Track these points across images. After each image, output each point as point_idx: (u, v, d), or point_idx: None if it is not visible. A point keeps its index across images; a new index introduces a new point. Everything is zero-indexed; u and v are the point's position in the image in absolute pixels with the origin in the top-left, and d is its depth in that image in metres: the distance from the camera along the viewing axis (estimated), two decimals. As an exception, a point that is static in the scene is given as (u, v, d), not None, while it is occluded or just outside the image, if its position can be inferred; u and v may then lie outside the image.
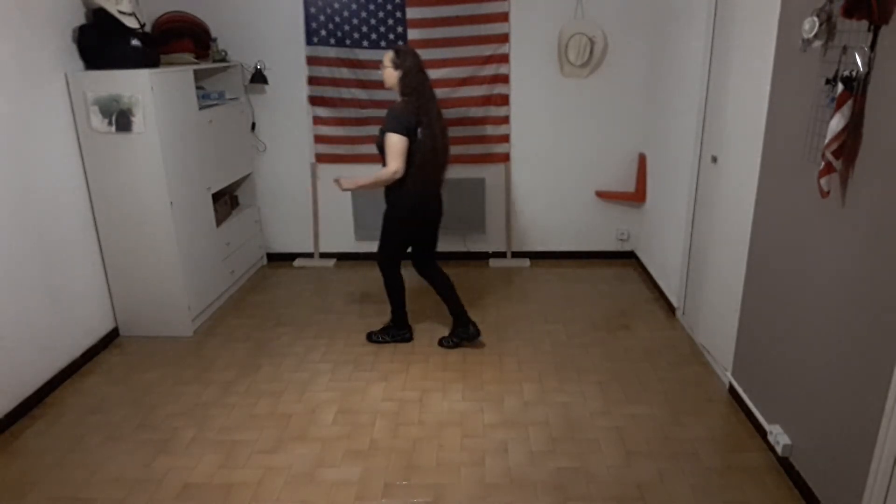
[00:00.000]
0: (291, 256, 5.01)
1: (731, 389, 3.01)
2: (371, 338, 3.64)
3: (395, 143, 3.08)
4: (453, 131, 4.58)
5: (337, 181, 3.35)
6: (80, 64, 3.43)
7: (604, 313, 3.97)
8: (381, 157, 3.25)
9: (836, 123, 2.00)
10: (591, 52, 4.33)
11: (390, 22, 4.35)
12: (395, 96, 4.46)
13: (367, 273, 4.73)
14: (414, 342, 3.63)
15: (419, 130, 3.12)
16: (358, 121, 4.59)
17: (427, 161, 3.17)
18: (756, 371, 2.76)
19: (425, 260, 3.47)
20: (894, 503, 1.88)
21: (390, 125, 3.09)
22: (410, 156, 3.13)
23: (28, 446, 2.77)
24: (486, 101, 4.50)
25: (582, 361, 3.38)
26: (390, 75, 3.20)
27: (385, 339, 3.62)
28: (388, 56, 3.21)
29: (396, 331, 3.63)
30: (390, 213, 3.34)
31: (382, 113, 4.49)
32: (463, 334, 3.51)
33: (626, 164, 4.66)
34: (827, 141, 2.03)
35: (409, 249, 3.46)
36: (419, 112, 3.12)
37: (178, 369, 3.39)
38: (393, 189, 3.26)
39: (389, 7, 4.32)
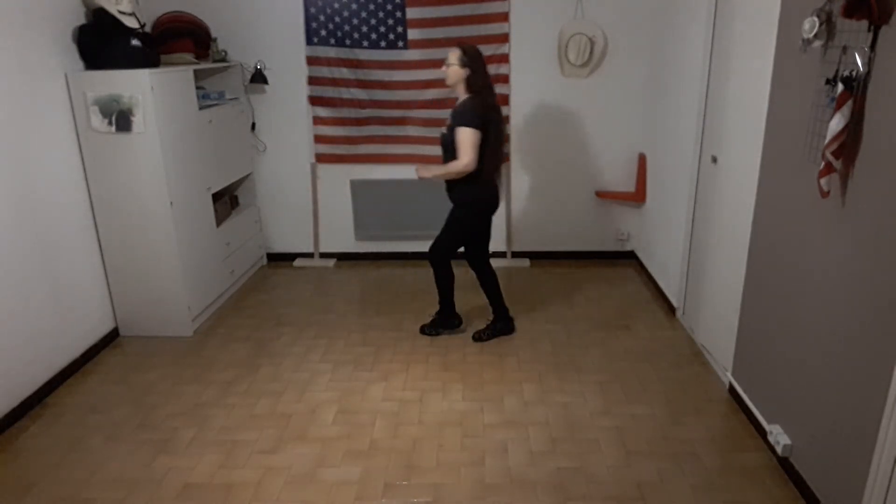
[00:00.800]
0: (291, 256, 5.01)
1: (731, 389, 3.01)
2: (424, 331, 3.73)
3: (469, 137, 3.11)
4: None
5: (417, 169, 3.37)
6: (80, 64, 3.43)
7: (604, 313, 3.97)
8: (442, 158, 3.32)
9: (836, 123, 2.00)
10: (591, 52, 4.33)
11: (390, 22, 4.35)
12: (395, 97, 4.52)
13: (367, 273, 4.74)
14: (414, 342, 3.63)
15: (489, 126, 3.15)
16: (358, 121, 4.59)
17: (494, 156, 3.23)
18: (756, 371, 2.76)
19: (482, 255, 3.56)
20: (894, 503, 1.89)
21: (463, 119, 3.12)
22: (480, 151, 3.17)
23: (28, 446, 2.77)
24: (486, 101, 4.50)
25: (582, 361, 3.38)
26: (456, 72, 3.18)
27: (439, 332, 3.72)
28: (455, 54, 3.17)
29: (447, 320, 3.72)
30: (460, 209, 3.37)
31: (383, 113, 4.56)
32: (503, 328, 3.66)
33: (626, 164, 4.66)
34: (827, 141, 2.03)
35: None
36: (487, 108, 3.16)
37: (178, 369, 3.39)
38: (459, 184, 3.28)
39: (389, 7, 4.32)
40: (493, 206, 3.41)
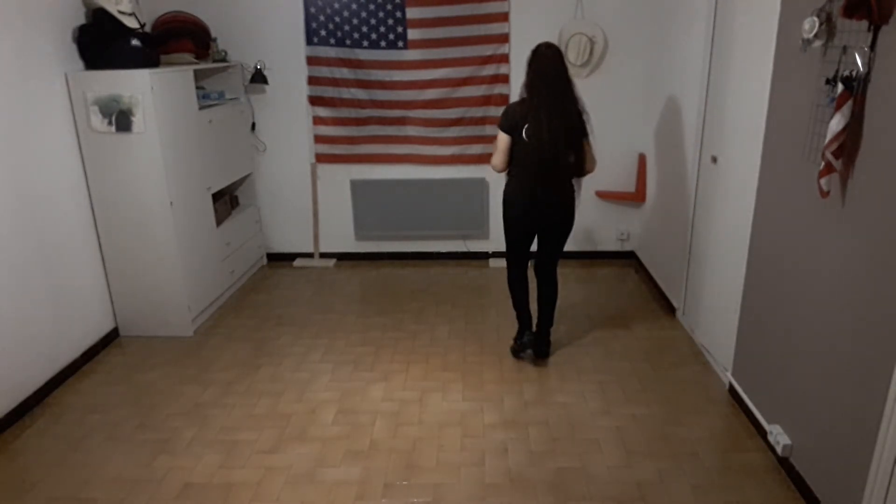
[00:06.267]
0: (291, 256, 5.01)
1: (731, 389, 3.01)
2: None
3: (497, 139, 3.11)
4: (453, 131, 4.59)
5: None
6: (80, 64, 3.43)
7: (604, 313, 3.97)
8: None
9: (836, 123, 2.00)
10: (591, 52, 4.33)
11: (390, 22, 4.35)
12: (395, 97, 4.52)
13: (367, 273, 4.74)
14: (414, 342, 3.63)
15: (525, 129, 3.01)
16: (358, 121, 4.59)
17: (524, 160, 3.08)
18: (756, 371, 2.76)
19: (538, 263, 3.39)
20: (894, 503, 1.89)
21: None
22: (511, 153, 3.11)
23: (28, 446, 2.77)
24: (486, 101, 4.50)
25: (582, 361, 3.38)
26: None
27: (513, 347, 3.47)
28: None
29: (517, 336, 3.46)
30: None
31: (383, 113, 4.57)
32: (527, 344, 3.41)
33: (626, 164, 4.66)
34: (827, 141, 2.03)
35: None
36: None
37: (178, 369, 3.39)
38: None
39: (389, 7, 4.32)
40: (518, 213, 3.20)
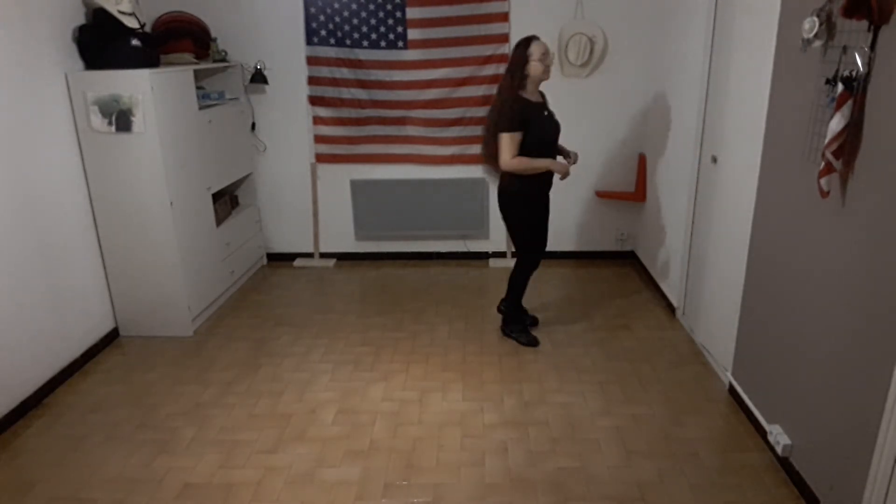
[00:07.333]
0: (291, 256, 5.01)
1: (731, 389, 3.01)
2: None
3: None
4: (453, 131, 4.58)
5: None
6: (80, 64, 3.43)
7: (604, 313, 3.97)
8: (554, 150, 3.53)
9: (836, 123, 2.00)
10: (591, 52, 4.33)
11: (390, 22, 4.35)
12: (395, 96, 4.52)
13: (367, 273, 4.74)
14: (414, 341, 3.63)
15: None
16: (358, 121, 4.59)
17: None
18: (756, 371, 2.76)
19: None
20: (894, 503, 1.89)
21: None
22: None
23: (28, 446, 2.77)
24: (486, 101, 4.49)
25: (582, 361, 3.38)
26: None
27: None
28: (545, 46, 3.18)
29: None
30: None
31: (383, 113, 4.57)
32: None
33: (626, 164, 4.66)
34: (827, 141, 2.03)
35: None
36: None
37: (178, 369, 3.39)
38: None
39: (389, 7, 4.32)
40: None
